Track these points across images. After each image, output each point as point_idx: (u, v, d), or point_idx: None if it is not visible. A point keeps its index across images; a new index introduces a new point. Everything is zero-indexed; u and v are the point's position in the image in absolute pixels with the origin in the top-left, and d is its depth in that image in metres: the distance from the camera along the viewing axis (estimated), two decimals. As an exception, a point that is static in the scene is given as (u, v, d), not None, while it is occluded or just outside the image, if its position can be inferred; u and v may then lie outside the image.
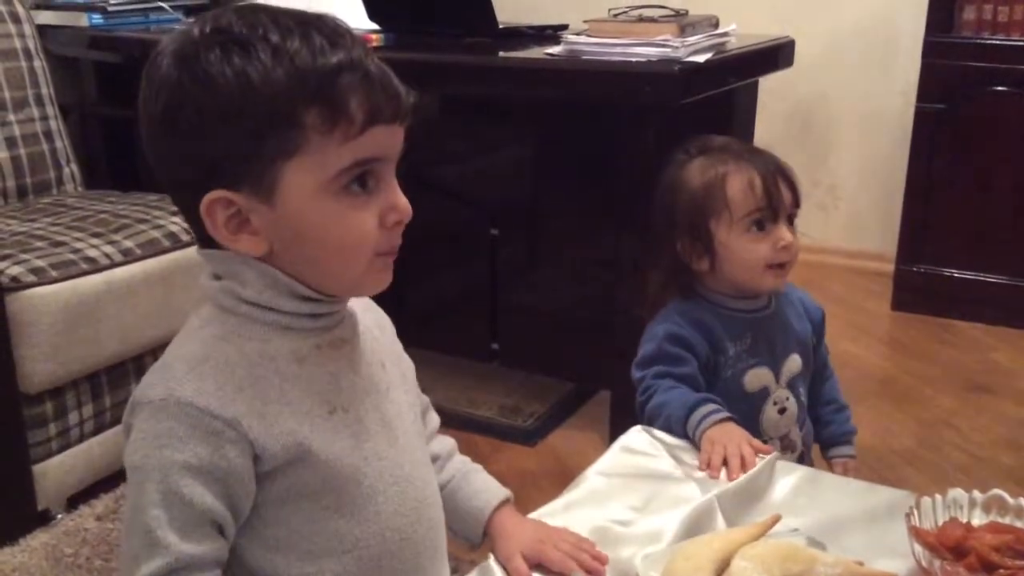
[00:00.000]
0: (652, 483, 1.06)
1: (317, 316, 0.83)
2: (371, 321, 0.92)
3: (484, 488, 1.00)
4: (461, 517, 0.99)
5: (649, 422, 1.20)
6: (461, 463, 1.03)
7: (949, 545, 0.85)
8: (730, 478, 1.06)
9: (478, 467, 1.04)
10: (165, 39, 0.78)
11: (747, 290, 1.30)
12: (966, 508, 0.92)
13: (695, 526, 0.96)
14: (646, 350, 1.28)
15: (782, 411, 1.31)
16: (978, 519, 0.91)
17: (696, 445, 1.13)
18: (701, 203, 1.28)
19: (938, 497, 0.91)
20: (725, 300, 1.30)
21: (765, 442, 1.24)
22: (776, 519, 0.91)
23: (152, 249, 1.90)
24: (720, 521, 0.98)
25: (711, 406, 1.15)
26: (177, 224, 1.98)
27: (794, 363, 1.33)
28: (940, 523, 0.90)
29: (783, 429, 1.32)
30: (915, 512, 0.89)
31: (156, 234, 1.93)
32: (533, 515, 1.00)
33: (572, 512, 1.01)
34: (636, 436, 1.16)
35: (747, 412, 1.25)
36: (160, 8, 2.63)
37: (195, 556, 0.75)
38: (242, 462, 0.76)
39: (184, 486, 0.74)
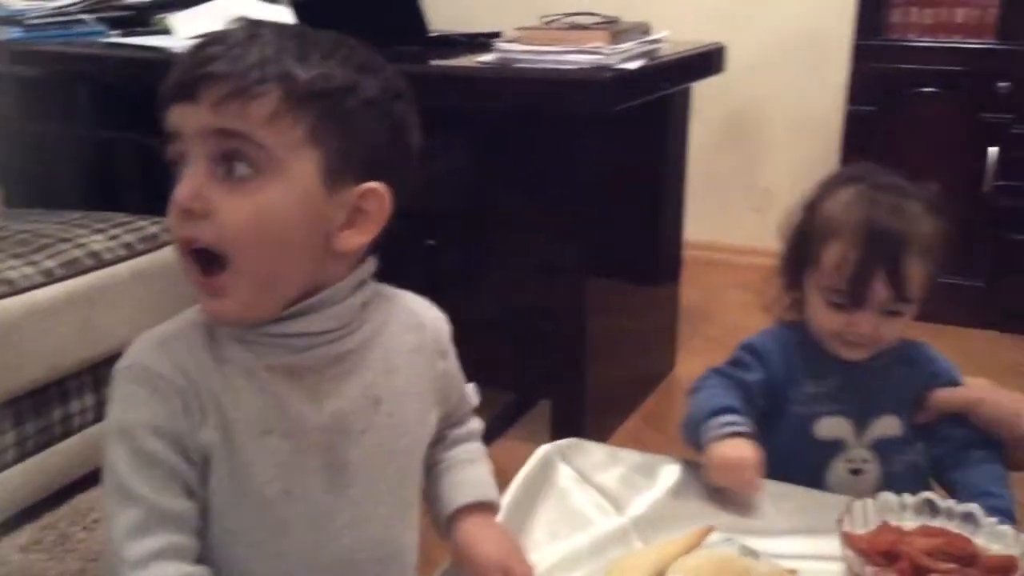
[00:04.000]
0: (563, 506, 1.04)
1: (272, 336, 0.78)
2: (402, 346, 0.86)
3: (462, 482, 0.94)
4: (434, 504, 0.95)
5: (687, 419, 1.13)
6: (467, 452, 0.96)
7: (881, 550, 0.84)
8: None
9: (479, 461, 0.97)
10: None
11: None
12: (897, 512, 0.91)
13: (608, 548, 0.95)
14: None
15: (856, 472, 1.15)
16: (909, 523, 0.90)
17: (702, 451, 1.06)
18: (805, 241, 1.16)
19: (869, 501, 0.91)
20: None
21: None
22: (710, 529, 0.90)
23: (74, 269, 1.83)
24: (636, 542, 0.96)
25: (731, 416, 1.06)
26: (100, 242, 1.92)
27: (887, 425, 1.16)
28: (872, 528, 0.90)
29: (855, 493, 1.11)
30: (847, 517, 0.89)
31: (78, 253, 1.87)
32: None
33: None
34: (548, 458, 1.13)
35: (812, 461, 1.16)
36: (81, 21, 2.56)
37: (169, 510, 0.75)
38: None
39: (148, 443, 0.75)
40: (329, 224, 0.77)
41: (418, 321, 0.88)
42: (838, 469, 1.15)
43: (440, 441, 0.96)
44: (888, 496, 0.92)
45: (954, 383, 1.18)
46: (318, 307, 0.79)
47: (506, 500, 1.02)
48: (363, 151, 0.77)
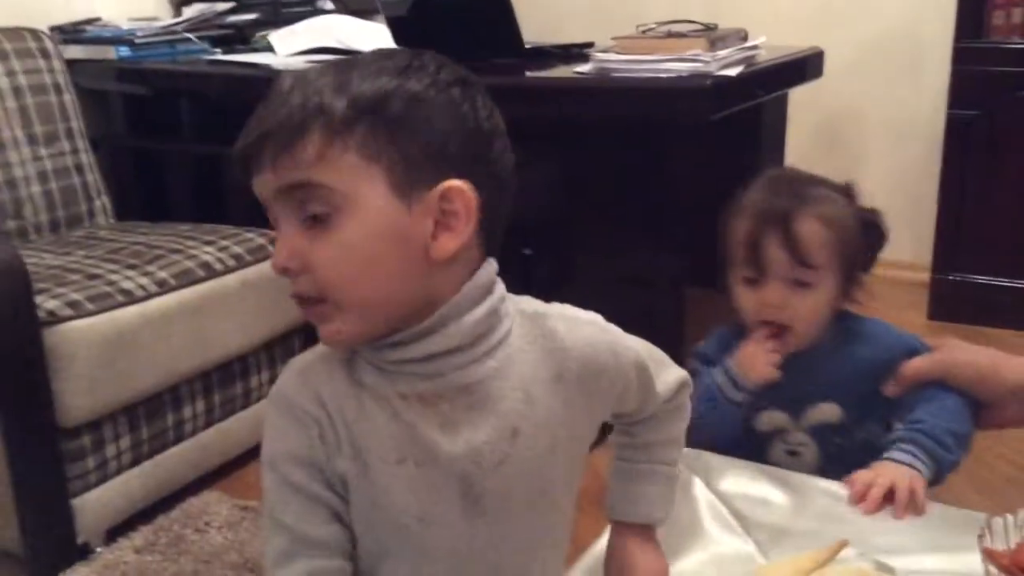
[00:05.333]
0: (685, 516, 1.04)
1: (401, 362, 0.77)
2: (542, 375, 0.80)
3: (635, 497, 0.94)
4: (606, 498, 0.95)
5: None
6: (650, 460, 0.94)
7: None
8: None
9: (659, 475, 0.95)
10: None
11: None
12: (1039, 528, 0.89)
13: (734, 564, 0.94)
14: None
15: (792, 454, 1.21)
16: (1052, 539, 0.88)
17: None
18: (724, 235, 1.22)
19: (1010, 517, 0.89)
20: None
21: None
22: (843, 544, 0.89)
23: (187, 279, 1.89)
24: (760, 558, 0.95)
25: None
26: (211, 254, 1.98)
27: (824, 411, 1.20)
28: (1013, 544, 0.87)
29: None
30: (987, 533, 0.86)
31: (190, 264, 1.93)
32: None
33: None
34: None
35: (753, 448, 1.20)
36: (187, 39, 2.64)
37: (313, 538, 0.77)
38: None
39: (290, 474, 0.77)
40: (420, 235, 0.74)
41: (560, 346, 0.81)
42: (776, 450, 1.22)
43: (629, 434, 0.94)
44: (1029, 512, 0.89)
45: (915, 352, 1.18)
46: (438, 325, 0.76)
47: None
48: (425, 150, 0.73)
